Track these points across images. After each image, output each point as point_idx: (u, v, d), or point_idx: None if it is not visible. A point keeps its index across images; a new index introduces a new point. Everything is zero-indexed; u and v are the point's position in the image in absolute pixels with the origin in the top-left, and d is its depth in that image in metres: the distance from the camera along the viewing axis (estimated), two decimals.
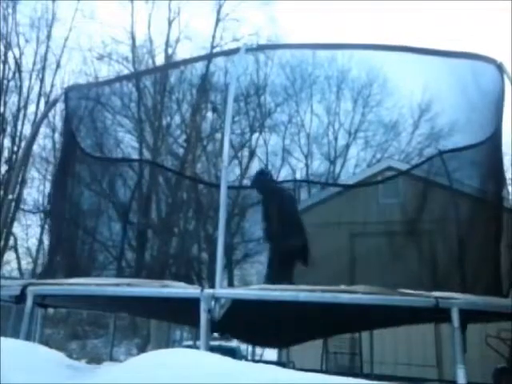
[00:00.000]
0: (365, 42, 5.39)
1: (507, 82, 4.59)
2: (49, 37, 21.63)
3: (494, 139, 5.01)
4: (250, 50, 5.26)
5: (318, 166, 22.74)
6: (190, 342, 13.18)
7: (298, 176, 20.55)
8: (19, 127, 20.62)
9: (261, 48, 6.41)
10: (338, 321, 5.17)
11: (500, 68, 4.69)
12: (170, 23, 22.42)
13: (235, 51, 5.45)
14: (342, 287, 3.97)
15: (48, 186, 20.05)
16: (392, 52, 5.18)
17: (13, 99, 20.75)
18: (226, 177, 4.40)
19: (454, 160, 6.43)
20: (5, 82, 20.36)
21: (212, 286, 3.94)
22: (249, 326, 4.92)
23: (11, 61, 20.71)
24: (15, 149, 20.20)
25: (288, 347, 8.81)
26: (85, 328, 18.69)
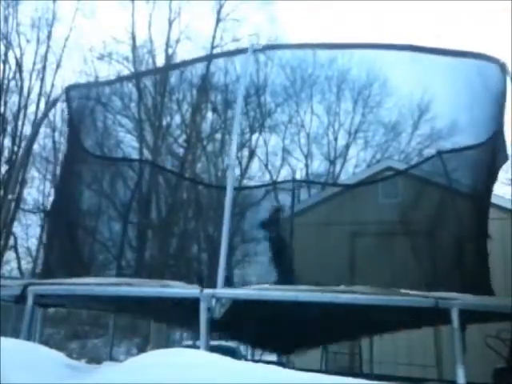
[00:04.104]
0: (368, 42, 5.41)
1: (509, 82, 4.58)
2: (49, 37, 21.68)
3: (496, 139, 5.01)
4: (257, 50, 5.18)
5: (318, 166, 22.78)
6: (190, 342, 13.18)
7: (298, 176, 20.59)
8: (19, 127, 20.64)
9: (267, 48, 6.38)
10: (338, 325, 5.17)
11: (503, 68, 4.67)
12: (170, 23, 22.45)
13: (242, 51, 5.41)
14: (342, 287, 3.97)
15: (48, 185, 20.08)
16: (394, 51, 5.19)
17: (13, 99, 20.80)
18: (233, 176, 4.44)
19: (454, 160, 6.43)
20: (5, 81, 20.38)
21: (212, 286, 3.95)
22: (249, 328, 4.92)
23: (12, 61, 20.76)
24: (15, 149, 20.22)
25: (289, 353, 8.81)
26: (85, 328, 18.68)
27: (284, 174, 21.24)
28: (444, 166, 6.52)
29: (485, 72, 4.83)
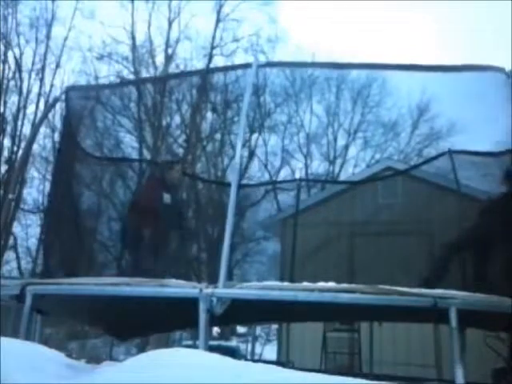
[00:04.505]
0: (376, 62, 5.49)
1: None
2: (48, 36, 21.65)
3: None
4: (261, 66, 5.36)
5: (318, 166, 22.77)
6: (190, 342, 13.17)
7: (298, 176, 20.60)
8: (19, 127, 20.64)
9: (272, 65, 6.59)
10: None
11: (509, 76, 4.68)
12: (170, 23, 22.47)
13: (247, 66, 5.51)
14: (343, 286, 3.98)
15: (48, 185, 20.06)
16: (406, 71, 5.20)
17: (13, 99, 20.79)
18: (238, 174, 4.54)
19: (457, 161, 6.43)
20: (5, 81, 20.37)
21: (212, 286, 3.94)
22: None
23: (11, 60, 20.76)
24: (15, 149, 20.22)
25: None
26: (85, 328, 18.65)
27: (284, 174, 21.25)
28: (454, 165, 6.49)
29: (492, 82, 4.82)
